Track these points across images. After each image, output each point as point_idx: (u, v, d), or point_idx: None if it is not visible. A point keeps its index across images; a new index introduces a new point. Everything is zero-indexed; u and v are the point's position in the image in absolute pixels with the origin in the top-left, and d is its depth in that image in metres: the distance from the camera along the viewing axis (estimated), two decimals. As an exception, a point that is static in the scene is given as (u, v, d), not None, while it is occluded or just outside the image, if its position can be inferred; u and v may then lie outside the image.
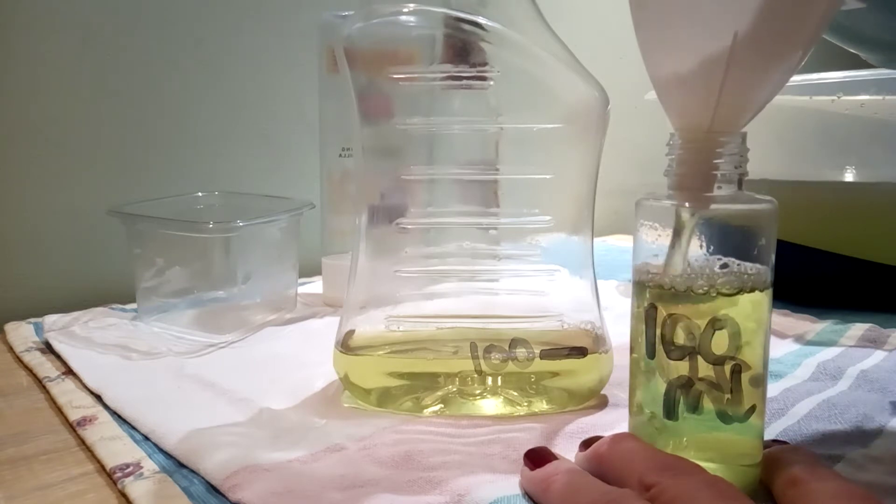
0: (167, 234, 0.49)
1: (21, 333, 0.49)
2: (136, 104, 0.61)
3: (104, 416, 0.36)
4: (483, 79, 0.34)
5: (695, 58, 0.25)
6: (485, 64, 0.34)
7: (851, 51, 0.55)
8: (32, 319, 0.52)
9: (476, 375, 0.35)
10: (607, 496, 0.24)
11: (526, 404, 0.35)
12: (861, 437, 0.31)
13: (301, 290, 0.58)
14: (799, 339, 0.46)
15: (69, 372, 0.42)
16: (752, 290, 0.26)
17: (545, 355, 0.35)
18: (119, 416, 0.35)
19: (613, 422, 0.33)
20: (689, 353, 0.26)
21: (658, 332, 0.27)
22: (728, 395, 0.26)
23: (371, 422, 0.34)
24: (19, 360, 0.45)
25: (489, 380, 0.35)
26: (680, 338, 0.26)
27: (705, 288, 0.26)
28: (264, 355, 0.44)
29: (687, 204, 0.26)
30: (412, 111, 0.35)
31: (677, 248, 0.26)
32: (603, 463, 0.26)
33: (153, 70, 0.62)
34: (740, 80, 0.25)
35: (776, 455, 0.27)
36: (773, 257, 0.26)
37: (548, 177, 0.35)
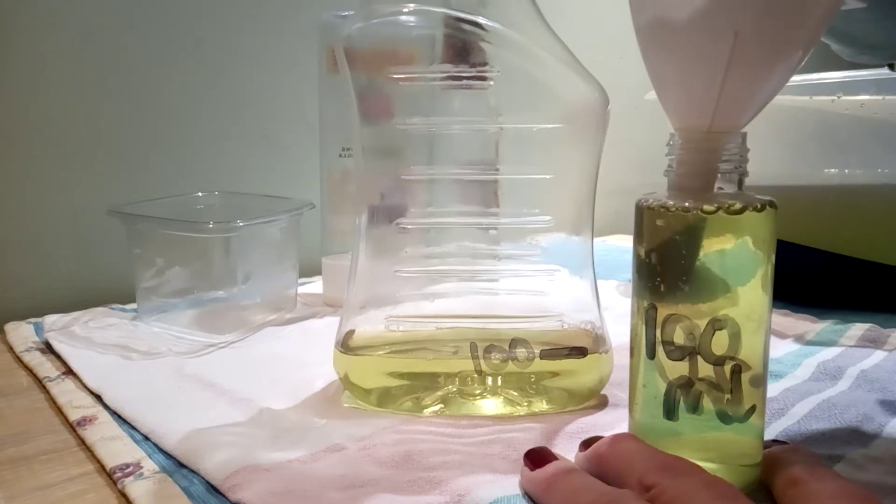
0: (167, 234, 0.49)
1: (21, 333, 0.49)
2: (136, 104, 0.61)
3: (104, 416, 0.36)
4: (483, 79, 0.34)
5: (695, 58, 0.25)
6: (485, 64, 0.34)
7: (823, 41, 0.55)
8: (32, 319, 0.52)
9: (476, 375, 0.35)
10: (607, 496, 0.24)
11: (526, 404, 0.35)
12: (861, 437, 0.31)
13: (301, 290, 0.58)
14: (799, 339, 0.46)
15: (69, 372, 0.42)
16: (752, 209, 0.26)
17: (545, 355, 0.35)
18: (119, 416, 0.35)
19: (613, 422, 0.33)
20: (689, 353, 0.26)
21: (658, 332, 0.27)
22: (728, 395, 0.26)
23: (371, 422, 0.34)
24: (19, 360, 0.45)
25: (489, 380, 0.35)
26: (680, 338, 0.26)
27: (726, 206, 0.26)
28: (264, 355, 0.44)
29: (687, 204, 0.26)
30: (412, 111, 0.35)
31: None
32: (603, 463, 0.26)
33: (153, 70, 0.62)
34: (740, 80, 0.25)
35: (776, 455, 0.27)
36: (773, 257, 0.26)
37: (548, 177, 0.35)
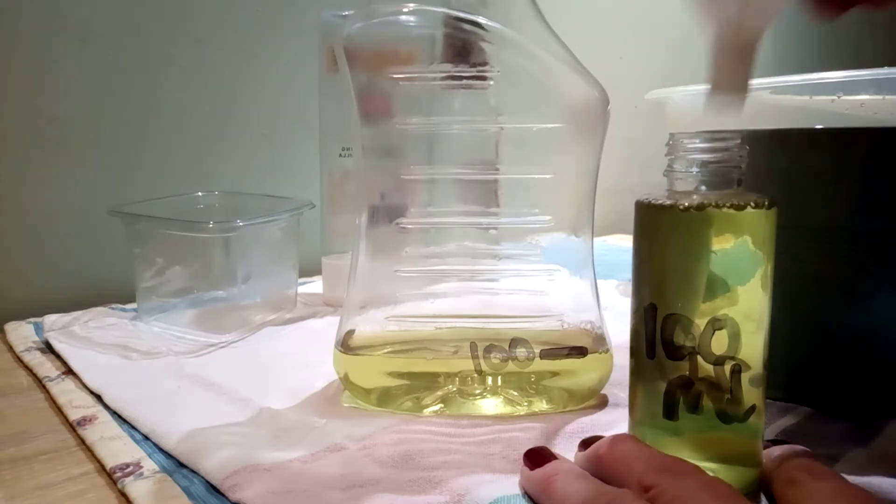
0: (167, 233, 0.49)
1: (21, 333, 0.49)
2: (137, 104, 0.61)
3: (104, 415, 0.36)
4: (483, 79, 0.34)
5: None
6: (485, 64, 0.34)
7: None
8: (32, 319, 0.52)
9: (476, 375, 0.35)
10: (606, 496, 0.24)
11: (526, 404, 0.35)
12: (861, 436, 0.31)
13: (301, 289, 0.58)
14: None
15: (69, 372, 0.42)
16: (752, 208, 0.26)
17: (545, 355, 0.35)
18: (119, 416, 0.35)
19: (613, 422, 0.33)
20: (689, 353, 0.26)
21: (658, 331, 0.27)
22: (728, 395, 0.26)
23: (371, 422, 0.34)
24: (19, 359, 0.45)
25: (489, 380, 0.35)
26: (680, 338, 0.26)
27: (726, 202, 0.25)
28: (264, 355, 0.44)
29: (686, 203, 0.26)
30: (412, 111, 0.35)
31: None
32: (602, 463, 0.26)
33: (153, 70, 0.62)
34: None
35: (776, 455, 0.27)
36: (772, 256, 0.26)
37: (548, 177, 0.35)
